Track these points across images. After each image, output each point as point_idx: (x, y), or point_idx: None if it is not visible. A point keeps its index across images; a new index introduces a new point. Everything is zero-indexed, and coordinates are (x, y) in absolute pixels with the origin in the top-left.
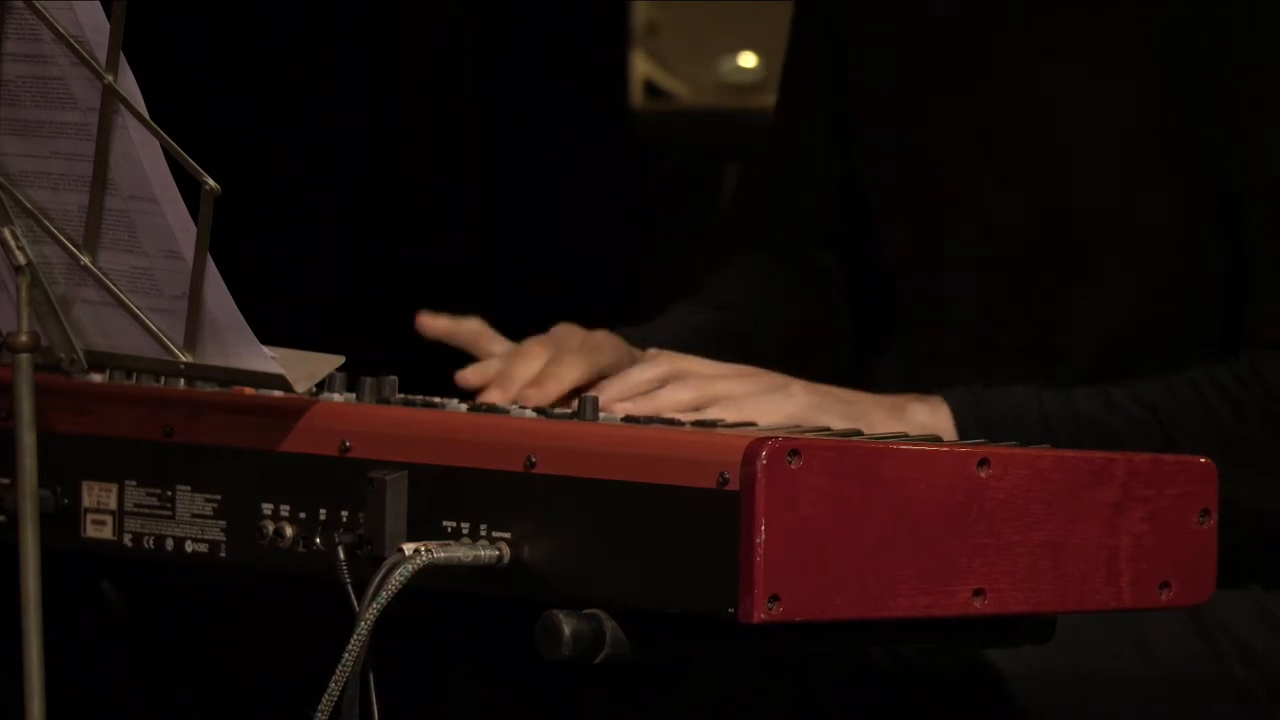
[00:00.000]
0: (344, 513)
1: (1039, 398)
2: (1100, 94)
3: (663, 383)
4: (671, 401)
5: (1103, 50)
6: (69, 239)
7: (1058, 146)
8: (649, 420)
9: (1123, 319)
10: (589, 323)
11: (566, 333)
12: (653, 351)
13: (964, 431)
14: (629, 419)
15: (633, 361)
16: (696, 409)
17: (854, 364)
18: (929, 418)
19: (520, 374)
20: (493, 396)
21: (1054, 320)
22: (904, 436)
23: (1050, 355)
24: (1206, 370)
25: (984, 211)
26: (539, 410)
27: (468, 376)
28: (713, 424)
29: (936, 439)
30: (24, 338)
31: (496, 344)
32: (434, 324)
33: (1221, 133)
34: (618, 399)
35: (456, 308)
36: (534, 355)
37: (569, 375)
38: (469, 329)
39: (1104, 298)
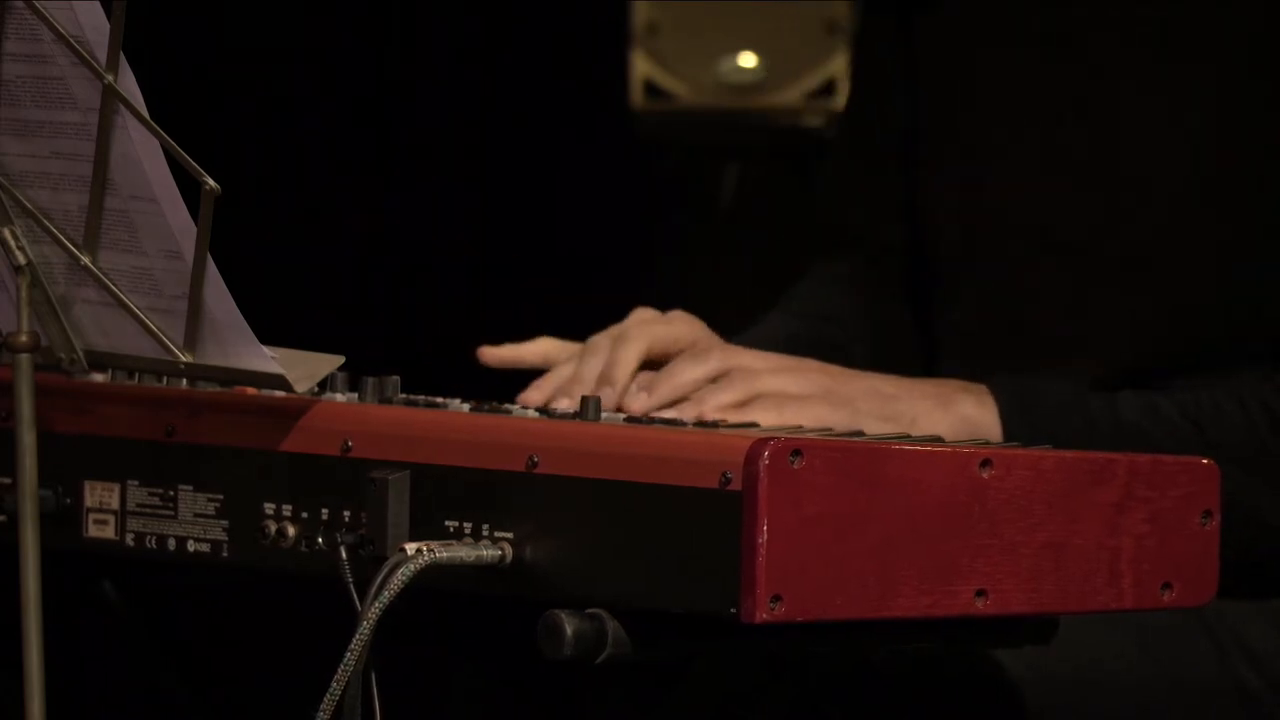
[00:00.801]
0: (346, 512)
1: (1085, 402)
2: (1174, 111)
3: (712, 380)
4: (716, 403)
5: (1179, 66)
6: (69, 239)
7: (1125, 157)
8: (650, 420)
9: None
10: (589, 323)
11: (636, 317)
12: (705, 344)
13: (1008, 427)
14: (631, 419)
15: (709, 340)
16: (741, 406)
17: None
18: (975, 410)
19: (588, 374)
20: (563, 404)
21: (1100, 325)
22: (906, 437)
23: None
24: (1252, 385)
25: (1043, 213)
26: (541, 410)
27: (530, 397)
28: (714, 425)
29: (938, 439)
30: (24, 338)
31: (567, 354)
32: (496, 354)
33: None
34: (669, 398)
35: (456, 307)
36: (599, 349)
37: (628, 358)
38: (535, 351)
39: (1152, 306)
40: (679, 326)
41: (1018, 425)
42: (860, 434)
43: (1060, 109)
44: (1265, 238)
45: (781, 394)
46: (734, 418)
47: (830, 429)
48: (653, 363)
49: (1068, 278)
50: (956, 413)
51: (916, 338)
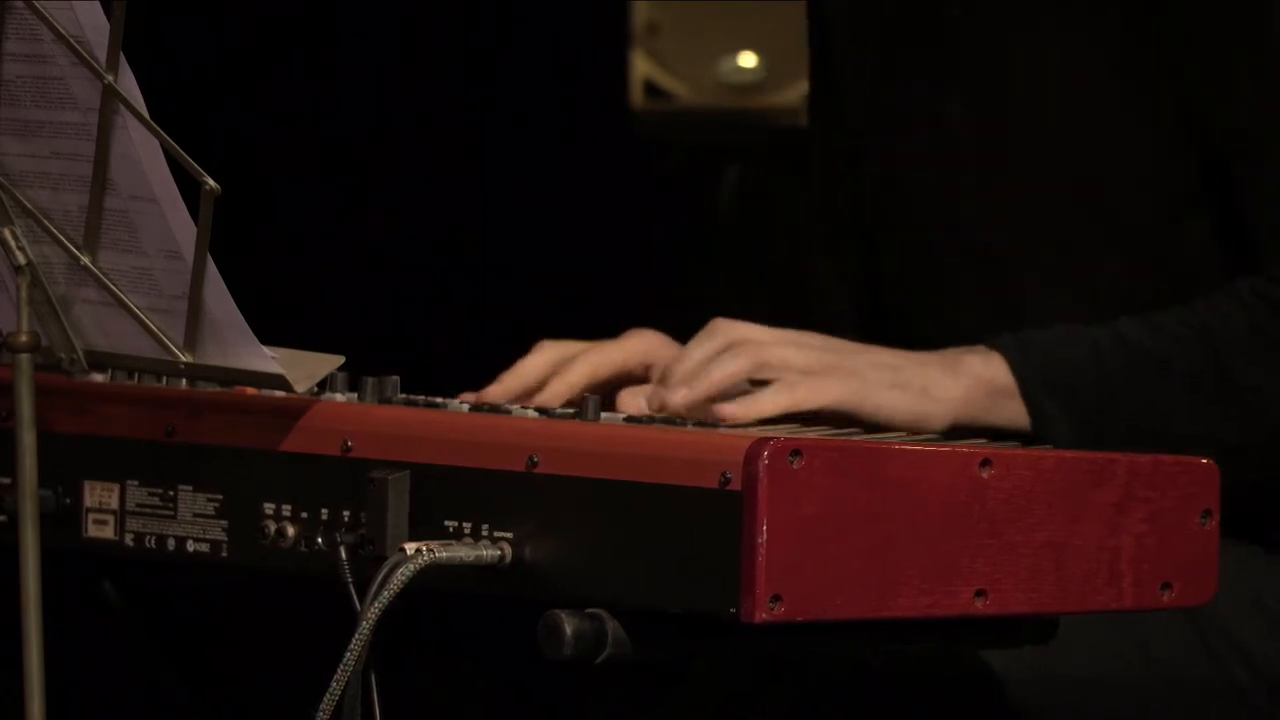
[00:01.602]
0: (346, 512)
1: (1087, 335)
2: (1065, 58)
3: (720, 354)
4: (724, 373)
5: (1064, 13)
6: (69, 239)
7: (1026, 120)
8: (650, 420)
9: (1107, 304)
10: (589, 323)
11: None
12: (713, 322)
13: (1022, 378)
14: (630, 419)
15: (670, 350)
16: (750, 376)
17: None
18: (983, 367)
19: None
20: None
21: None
22: (906, 437)
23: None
24: (1248, 280)
25: (949, 211)
26: (541, 410)
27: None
28: (714, 424)
29: (937, 439)
30: (24, 338)
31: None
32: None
33: (1202, 79)
34: (686, 378)
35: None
36: (542, 351)
37: (573, 383)
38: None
39: (1084, 284)
40: (632, 344)
41: (1028, 371)
42: (859, 433)
43: (947, 100)
44: (1179, 210)
45: (787, 365)
46: (740, 411)
47: (841, 406)
48: (626, 379)
49: (986, 275)
50: (967, 372)
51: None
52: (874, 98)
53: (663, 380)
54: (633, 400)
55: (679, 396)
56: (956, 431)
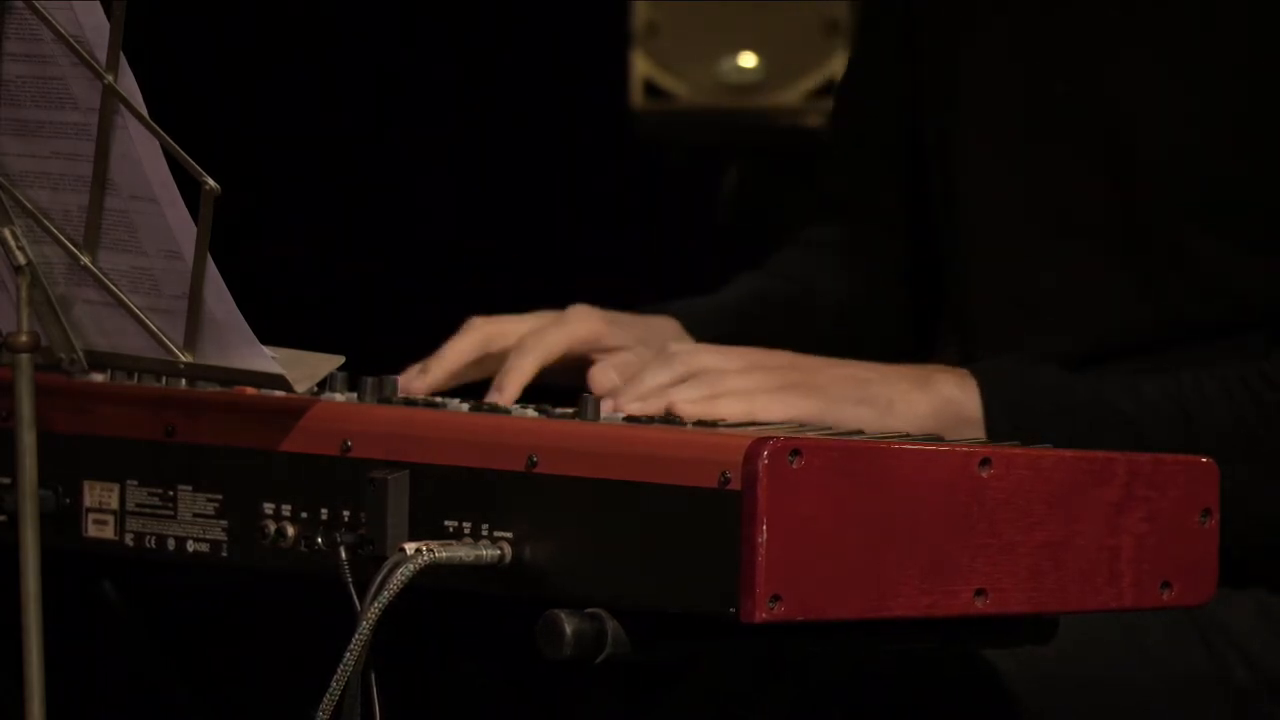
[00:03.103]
0: (345, 512)
1: (1069, 384)
2: (1176, 81)
3: (678, 383)
4: (685, 401)
5: (1180, 39)
6: (69, 239)
7: (1126, 129)
8: (650, 420)
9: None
10: None
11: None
12: (673, 349)
13: (991, 414)
14: (630, 419)
15: (614, 334)
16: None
17: (916, 348)
18: (956, 391)
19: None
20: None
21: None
22: (906, 436)
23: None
24: (1238, 369)
25: (1031, 177)
26: (541, 410)
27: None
28: (714, 424)
29: (938, 438)
30: (24, 338)
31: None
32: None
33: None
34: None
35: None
36: (471, 331)
37: (525, 369)
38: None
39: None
40: (576, 327)
41: (998, 407)
42: (859, 432)
43: (1051, 79)
44: (1262, 217)
45: (747, 391)
46: (698, 409)
47: (803, 421)
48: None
49: (1065, 252)
50: (936, 393)
51: (908, 320)
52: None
53: (615, 395)
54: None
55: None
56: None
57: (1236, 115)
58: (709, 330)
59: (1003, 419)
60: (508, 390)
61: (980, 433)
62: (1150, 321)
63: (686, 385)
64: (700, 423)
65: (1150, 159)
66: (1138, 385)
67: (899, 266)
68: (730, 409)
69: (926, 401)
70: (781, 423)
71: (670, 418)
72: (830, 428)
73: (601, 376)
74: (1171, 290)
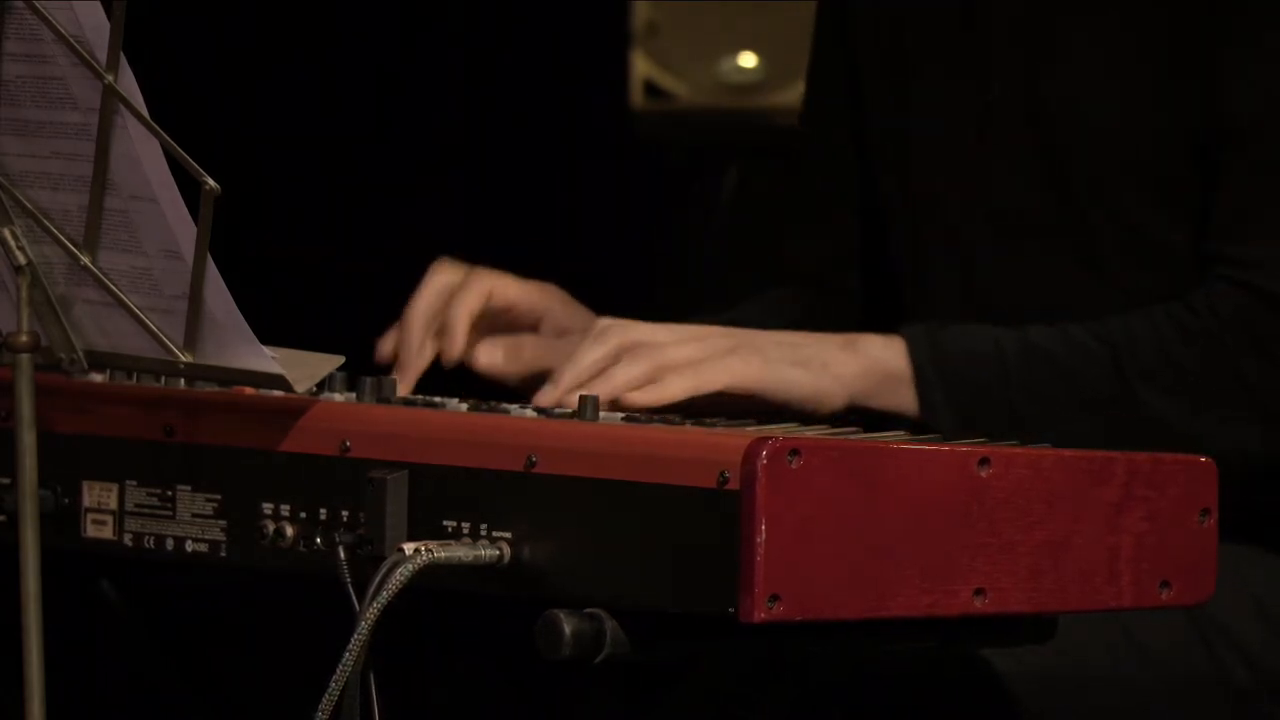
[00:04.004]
0: (344, 512)
1: (994, 334)
2: (1099, 60)
3: (615, 358)
4: (625, 379)
5: (1103, 15)
6: (69, 239)
7: (1056, 120)
8: (649, 419)
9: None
10: None
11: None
12: (603, 323)
13: (916, 362)
14: (630, 418)
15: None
16: (651, 380)
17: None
18: (882, 350)
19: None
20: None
21: (1056, 306)
22: (904, 436)
23: None
24: (1164, 306)
25: (978, 183)
26: (540, 410)
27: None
28: (713, 423)
29: (938, 438)
30: (24, 338)
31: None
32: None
33: (1207, 78)
34: (573, 386)
35: None
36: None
37: (468, 307)
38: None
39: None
40: (533, 290)
41: (925, 358)
42: (859, 432)
43: (987, 76)
44: (1170, 196)
45: (690, 360)
46: (646, 397)
47: (746, 386)
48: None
49: (1013, 248)
50: (864, 353)
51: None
52: (903, 85)
53: (553, 380)
54: (489, 351)
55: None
56: (851, 411)
57: (1160, 95)
58: None
59: (929, 370)
60: (449, 342)
61: (910, 390)
62: (1100, 302)
63: (625, 363)
64: (698, 421)
65: (1083, 144)
66: (1065, 328)
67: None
68: (677, 386)
69: (855, 361)
70: (725, 390)
71: (669, 418)
72: (768, 394)
73: (486, 351)
74: (1115, 267)
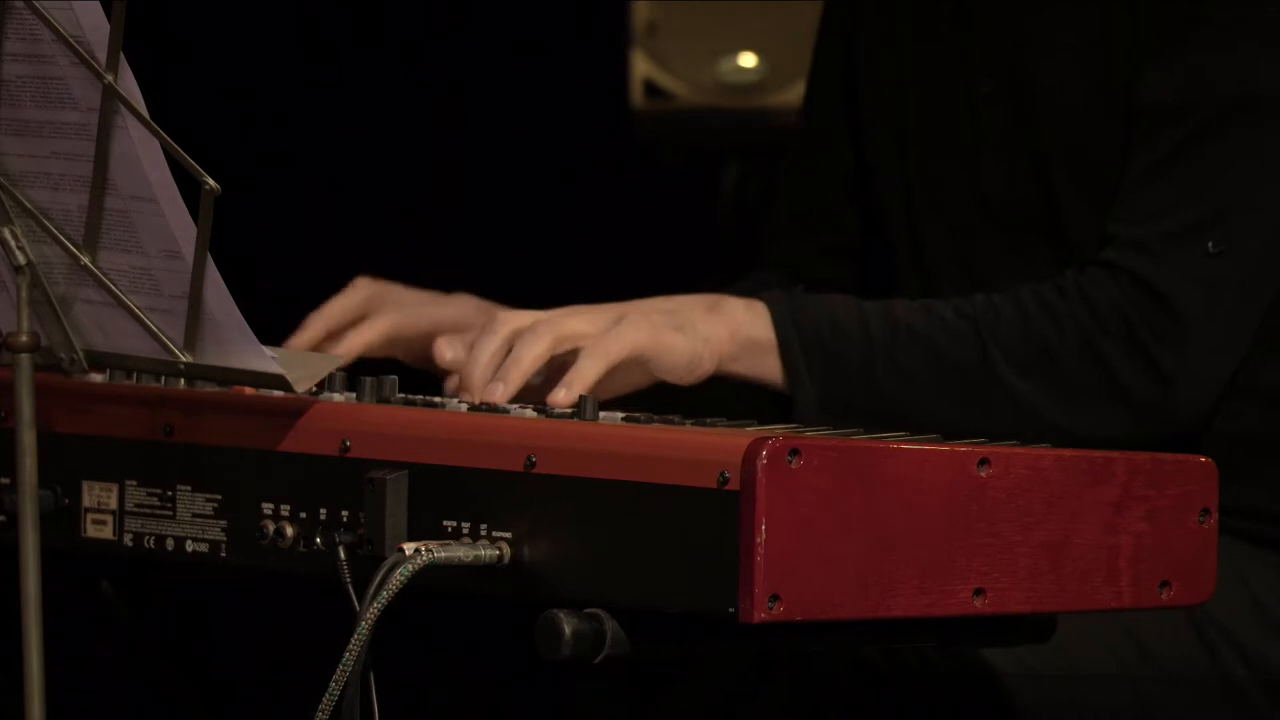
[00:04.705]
0: (344, 512)
1: (859, 305)
2: (1073, 46)
3: (509, 344)
4: (530, 356)
5: (1077, 7)
6: (69, 239)
7: (1039, 106)
8: (649, 419)
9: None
10: None
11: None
12: (503, 316)
13: (780, 330)
14: (630, 418)
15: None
16: (553, 352)
17: None
18: (745, 314)
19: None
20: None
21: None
22: (904, 436)
23: None
24: (1032, 286)
25: (973, 177)
26: (539, 410)
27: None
28: (713, 423)
29: (937, 440)
30: (24, 338)
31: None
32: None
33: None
34: (481, 383)
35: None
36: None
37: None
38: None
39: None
40: (449, 308)
41: (787, 328)
42: (859, 432)
43: (973, 75)
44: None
45: (582, 334)
46: (570, 393)
47: (641, 352)
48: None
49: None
50: (729, 315)
51: None
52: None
53: (464, 382)
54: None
55: (497, 394)
56: (716, 379)
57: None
58: None
59: (792, 338)
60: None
61: (774, 356)
62: None
63: (525, 342)
64: (698, 421)
65: (1061, 146)
66: (930, 304)
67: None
68: (588, 367)
69: (722, 324)
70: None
71: (669, 418)
72: (656, 359)
73: (444, 348)
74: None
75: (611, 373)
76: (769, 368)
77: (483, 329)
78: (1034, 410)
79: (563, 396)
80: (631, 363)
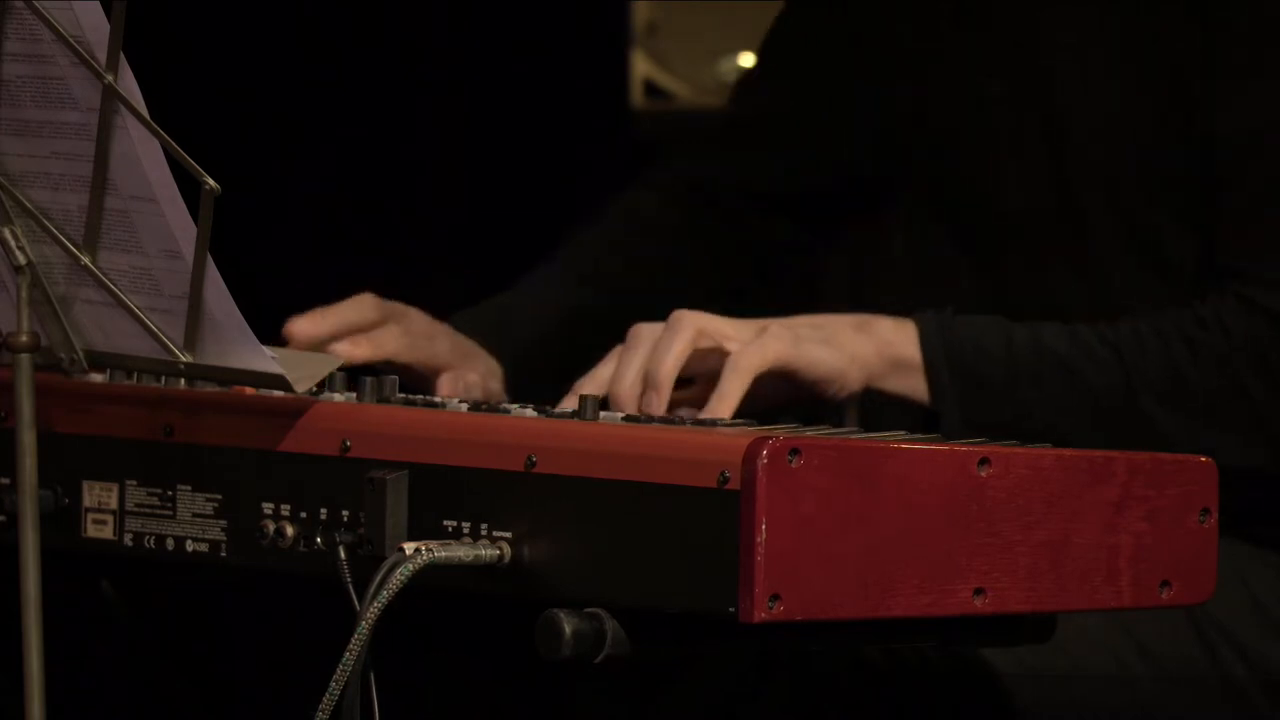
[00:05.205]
0: (344, 512)
1: (1007, 327)
2: (1095, 57)
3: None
4: (674, 352)
5: (1098, 14)
6: (69, 239)
7: (1057, 113)
8: (649, 419)
9: (1116, 291)
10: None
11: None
12: (639, 329)
13: (927, 351)
14: (630, 418)
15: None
16: (695, 346)
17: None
18: (894, 333)
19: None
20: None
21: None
22: (904, 435)
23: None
24: (1173, 315)
25: (983, 179)
26: (539, 409)
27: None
28: (712, 423)
29: (938, 438)
30: (24, 338)
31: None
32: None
33: (1207, 86)
34: (632, 395)
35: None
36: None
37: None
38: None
39: (1102, 271)
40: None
41: (935, 348)
42: (859, 432)
43: (987, 72)
44: (1165, 195)
45: (723, 332)
46: (720, 407)
47: (782, 362)
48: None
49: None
50: (877, 335)
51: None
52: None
53: (613, 403)
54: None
55: (653, 405)
56: (868, 395)
57: (1158, 97)
58: None
59: (939, 358)
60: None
61: (921, 378)
62: (1104, 302)
63: (666, 336)
64: (699, 422)
65: (1084, 143)
66: (1075, 329)
67: (784, 259)
68: (734, 382)
69: (870, 342)
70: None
71: (669, 418)
72: (800, 372)
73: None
74: (1118, 268)
75: (757, 385)
76: (916, 387)
77: (624, 347)
78: (1174, 440)
79: (713, 410)
80: (777, 376)
